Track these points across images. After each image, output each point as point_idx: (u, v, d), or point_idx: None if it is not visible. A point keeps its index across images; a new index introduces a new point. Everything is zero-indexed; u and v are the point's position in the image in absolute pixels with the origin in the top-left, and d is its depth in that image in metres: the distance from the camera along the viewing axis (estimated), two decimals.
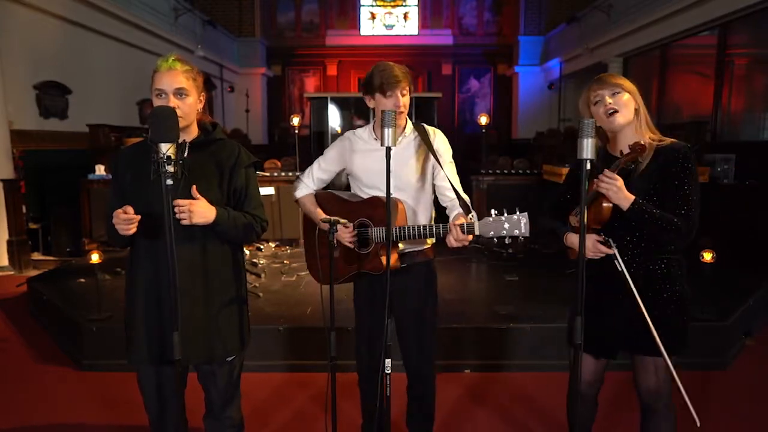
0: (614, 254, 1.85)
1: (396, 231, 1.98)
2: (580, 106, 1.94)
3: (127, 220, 1.69)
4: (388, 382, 1.89)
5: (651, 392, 1.93)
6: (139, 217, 1.71)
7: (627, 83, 1.87)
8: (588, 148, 1.58)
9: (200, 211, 1.76)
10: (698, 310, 3.60)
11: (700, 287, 3.64)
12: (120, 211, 1.70)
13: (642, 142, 1.75)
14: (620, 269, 1.83)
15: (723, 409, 3.05)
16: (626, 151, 1.89)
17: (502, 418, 2.95)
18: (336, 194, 2.28)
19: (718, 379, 3.40)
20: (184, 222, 1.75)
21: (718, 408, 3.06)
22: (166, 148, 1.55)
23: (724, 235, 5.29)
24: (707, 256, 3.64)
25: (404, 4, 16.07)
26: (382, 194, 2.08)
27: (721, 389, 3.27)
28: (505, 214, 1.77)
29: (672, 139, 1.89)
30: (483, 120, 7.56)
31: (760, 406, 3.08)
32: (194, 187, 1.76)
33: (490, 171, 7.10)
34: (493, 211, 1.79)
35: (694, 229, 1.82)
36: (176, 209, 1.71)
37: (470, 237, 1.87)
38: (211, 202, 1.85)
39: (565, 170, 4.65)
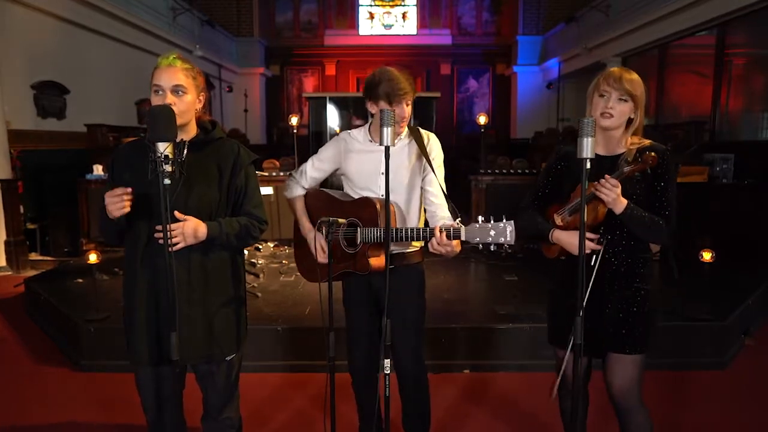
0: (598, 250, 1.89)
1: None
2: (589, 89, 1.94)
3: (121, 196, 1.66)
4: (387, 383, 1.88)
5: (624, 390, 1.94)
6: (130, 190, 1.68)
7: (638, 92, 1.86)
8: (588, 147, 1.58)
9: (189, 232, 1.76)
10: (697, 309, 3.60)
11: (699, 287, 3.66)
12: (112, 190, 1.68)
13: (653, 155, 1.76)
14: (592, 263, 1.88)
15: (722, 408, 3.05)
16: (615, 150, 1.91)
17: (502, 418, 2.94)
18: (328, 193, 2.29)
19: (717, 378, 3.39)
20: (179, 247, 1.74)
21: (718, 408, 3.06)
22: (164, 147, 1.54)
23: (723, 235, 5.28)
24: (706, 256, 3.64)
25: (403, 3, 16.06)
26: (374, 195, 2.11)
27: (720, 389, 3.27)
28: (492, 221, 1.77)
29: (649, 141, 1.91)
30: (482, 120, 7.55)
31: (760, 406, 3.08)
32: (176, 212, 1.74)
33: (489, 171, 7.09)
34: (480, 218, 1.80)
35: (675, 230, 1.88)
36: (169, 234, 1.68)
37: (456, 244, 1.87)
38: (211, 201, 1.84)
39: None
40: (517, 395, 3.18)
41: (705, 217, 5.41)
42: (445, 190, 2.10)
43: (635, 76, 1.88)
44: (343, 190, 2.31)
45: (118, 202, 1.67)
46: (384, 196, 2.10)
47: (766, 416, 2.97)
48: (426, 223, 2.18)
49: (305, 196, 2.32)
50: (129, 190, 1.68)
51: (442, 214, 2.08)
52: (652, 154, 1.77)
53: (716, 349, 3.56)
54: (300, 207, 2.30)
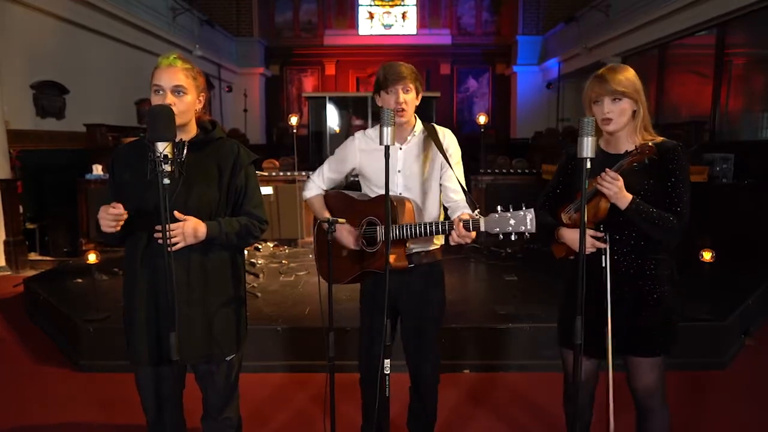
0: (605, 249, 1.87)
1: (403, 229, 1.97)
2: (583, 100, 1.93)
3: (115, 216, 1.66)
4: (387, 384, 1.88)
5: (649, 392, 1.94)
6: (126, 214, 1.69)
7: (630, 88, 1.82)
8: (588, 147, 1.57)
9: (189, 232, 1.75)
10: (697, 309, 3.60)
11: (699, 287, 3.65)
12: (109, 206, 1.67)
13: (651, 144, 1.74)
14: (604, 265, 1.86)
15: (722, 409, 3.05)
16: (624, 148, 1.89)
17: (502, 418, 2.94)
18: (345, 194, 2.28)
19: (717, 378, 3.39)
20: (178, 246, 1.73)
21: (717, 408, 3.05)
22: (163, 147, 1.54)
23: (723, 235, 5.28)
24: (707, 256, 3.64)
25: (402, 3, 16.06)
26: (391, 192, 2.09)
27: (720, 389, 3.27)
28: (511, 210, 1.73)
29: (662, 138, 1.88)
30: (482, 120, 7.57)
31: (760, 406, 3.08)
32: (176, 212, 1.74)
33: (489, 171, 7.11)
34: (498, 208, 1.75)
35: (686, 227, 1.83)
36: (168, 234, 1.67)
37: (473, 234, 1.86)
38: (211, 201, 1.84)
39: None
40: (517, 395, 3.18)
41: (705, 217, 5.40)
42: (464, 186, 2.08)
43: (623, 72, 1.83)
44: (351, 189, 2.31)
45: (112, 221, 1.68)
46: (401, 193, 2.11)
47: (766, 416, 2.96)
48: (446, 219, 2.17)
49: (325, 197, 2.32)
50: (125, 213, 1.68)
51: (463, 209, 2.07)
52: (650, 144, 1.74)
53: (716, 349, 3.55)
54: (318, 203, 2.30)
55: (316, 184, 2.32)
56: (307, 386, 3.27)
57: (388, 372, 1.87)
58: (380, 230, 2.07)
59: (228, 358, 1.93)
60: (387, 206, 1.79)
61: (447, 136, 2.18)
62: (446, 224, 1.93)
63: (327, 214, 2.22)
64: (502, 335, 3.50)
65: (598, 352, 1.96)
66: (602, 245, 1.86)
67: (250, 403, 2.92)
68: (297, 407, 3.07)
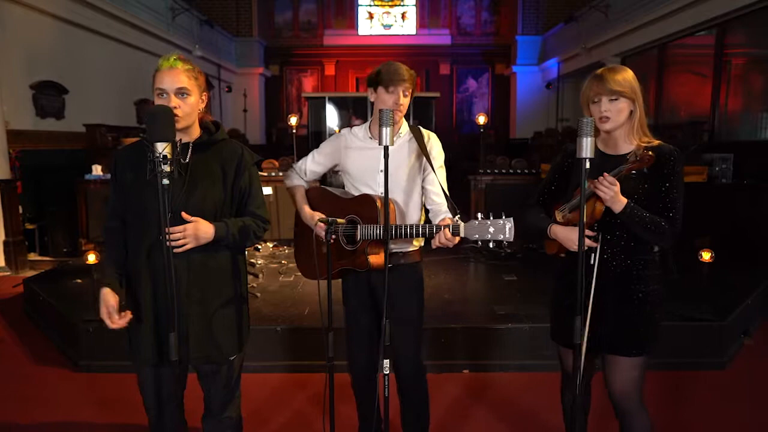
0: (595, 248, 1.88)
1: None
2: (581, 99, 1.93)
3: (118, 323, 1.79)
4: (386, 383, 1.88)
5: (624, 393, 1.93)
6: (129, 316, 1.80)
7: (628, 88, 1.83)
8: (587, 147, 1.58)
9: (191, 233, 1.75)
10: (697, 309, 3.60)
11: (698, 286, 3.66)
12: (115, 314, 1.80)
13: (650, 153, 1.74)
14: (592, 263, 1.87)
15: (722, 408, 3.05)
16: (622, 149, 1.89)
17: (501, 418, 2.94)
18: (328, 190, 2.29)
19: (716, 378, 3.39)
20: (186, 248, 1.74)
21: (717, 408, 3.06)
22: (162, 147, 1.54)
23: (723, 235, 5.29)
24: (706, 256, 3.64)
25: (402, 3, 16.06)
26: (373, 192, 2.11)
27: (720, 389, 3.27)
28: (491, 218, 1.78)
29: (659, 141, 1.89)
30: (481, 120, 7.57)
31: (760, 406, 3.08)
32: (183, 213, 1.74)
33: (488, 171, 7.10)
34: (479, 215, 1.80)
35: (678, 232, 1.84)
36: (172, 236, 1.67)
37: (457, 239, 1.88)
38: (216, 202, 1.85)
39: None
40: (516, 395, 3.18)
41: (704, 217, 5.41)
42: (446, 190, 2.10)
43: (621, 72, 1.84)
44: (343, 188, 2.31)
45: (113, 325, 1.80)
46: (383, 194, 2.11)
47: (766, 416, 2.97)
48: (427, 221, 2.18)
49: (307, 192, 2.32)
50: (128, 316, 1.81)
51: (444, 212, 2.08)
52: (650, 153, 1.74)
53: (716, 349, 3.55)
54: (300, 194, 2.30)
55: (298, 175, 2.32)
56: (307, 386, 3.27)
57: (387, 372, 1.87)
58: (361, 229, 2.07)
59: (230, 358, 1.93)
60: (386, 207, 1.79)
61: (431, 139, 2.19)
62: (427, 227, 1.95)
63: (307, 207, 2.23)
64: (501, 335, 3.51)
65: (588, 348, 1.96)
66: (594, 244, 1.87)
67: (250, 403, 2.91)
68: (296, 407, 3.07)
